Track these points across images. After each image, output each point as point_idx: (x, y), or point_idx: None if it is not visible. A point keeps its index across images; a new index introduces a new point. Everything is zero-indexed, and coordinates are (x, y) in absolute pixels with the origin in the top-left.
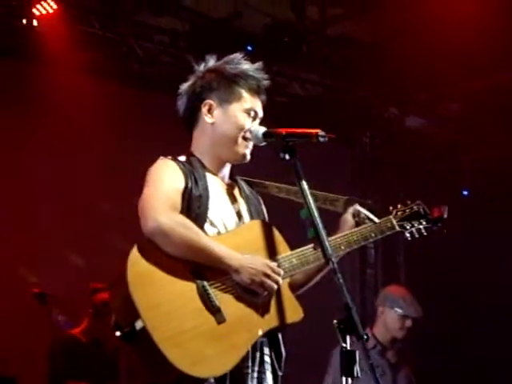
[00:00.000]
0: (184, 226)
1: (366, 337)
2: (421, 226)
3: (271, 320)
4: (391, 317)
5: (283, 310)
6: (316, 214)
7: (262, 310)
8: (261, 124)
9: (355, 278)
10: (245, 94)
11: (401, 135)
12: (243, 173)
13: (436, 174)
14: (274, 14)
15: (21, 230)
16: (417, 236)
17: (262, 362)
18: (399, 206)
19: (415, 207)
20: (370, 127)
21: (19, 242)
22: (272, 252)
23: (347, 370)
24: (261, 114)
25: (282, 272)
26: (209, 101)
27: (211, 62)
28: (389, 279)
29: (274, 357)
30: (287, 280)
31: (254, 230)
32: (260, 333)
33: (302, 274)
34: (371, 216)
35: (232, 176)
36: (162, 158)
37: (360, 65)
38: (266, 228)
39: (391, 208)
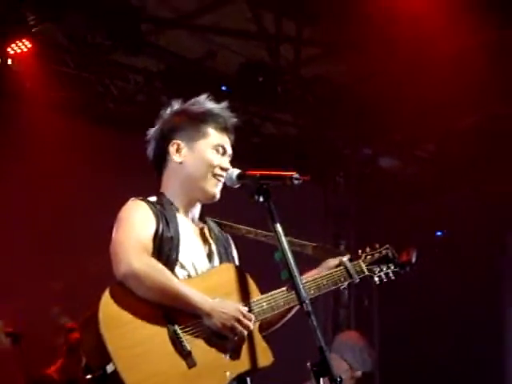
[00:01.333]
0: (156, 270)
1: (339, 379)
2: (389, 270)
3: (241, 364)
4: (341, 366)
5: (254, 354)
6: (290, 256)
7: (233, 354)
8: (233, 163)
9: (328, 317)
10: (211, 130)
11: (374, 176)
12: (214, 214)
13: (410, 215)
14: (249, 55)
15: None
16: (385, 280)
17: None
18: (368, 249)
19: (384, 251)
20: (343, 167)
21: None
22: (243, 296)
23: None
24: (229, 151)
25: (253, 317)
26: (176, 141)
27: (176, 105)
28: (361, 321)
29: None
30: (257, 324)
31: (224, 273)
32: (229, 377)
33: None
34: (352, 272)
35: (202, 217)
36: (133, 199)
37: (334, 105)
38: (237, 271)
39: (360, 252)
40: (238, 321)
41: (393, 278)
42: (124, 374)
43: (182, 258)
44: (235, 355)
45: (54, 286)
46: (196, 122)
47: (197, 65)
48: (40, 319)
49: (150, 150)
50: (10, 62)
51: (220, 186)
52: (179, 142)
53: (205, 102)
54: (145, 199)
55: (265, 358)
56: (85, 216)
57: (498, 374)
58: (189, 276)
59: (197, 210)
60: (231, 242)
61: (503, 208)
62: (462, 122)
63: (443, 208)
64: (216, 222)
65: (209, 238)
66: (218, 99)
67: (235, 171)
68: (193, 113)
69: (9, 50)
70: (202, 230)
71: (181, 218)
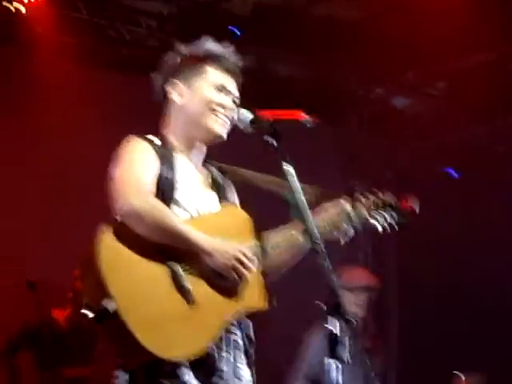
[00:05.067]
0: (157, 209)
1: (354, 321)
2: (392, 221)
3: (240, 305)
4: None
5: (254, 297)
6: (302, 196)
7: (232, 295)
8: (245, 105)
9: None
10: (210, 69)
11: (387, 115)
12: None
13: (422, 154)
14: None
15: (7, 216)
16: (388, 230)
17: (233, 343)
18: (371, 196)
19: (387, 199)
20: (356, 108)
21: (7, 230)
22: (245, 238)
23: (337, 355)
24: (235, 93)
25: (255, 260)
26: (176, 81)
27: (179, 47)
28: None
29: (246, 340)
30: (260, 268)
31: (228, 215)
32: (229, 317)
33: (289, 254)
34: (354, 219)
35: (205, 164)
36: (132, 136)
37: (347, 45)
38: (240, 214)
39: (363, 198)
40: (240, 262)
41: (397, 228)
42: (125, 315)
43: (181, 198)
44: (235, 296)
45: (68, 234)
46: (194, 61)
47: (209, 7)
48: (56, 267)
49: (154, 93)
50: (22, 8)
51: (225, 125)
52: (178, 82)
53: (205, 43)
54: (145, 137)
55: (264, 301)
56: (97, 164)
57: None
58: (191, 217)
59: (199, 154)
60: (233, 188)
61: None
62: (472, 59)
63: (455, 145)
64: (220, 168)
65: (210, 182)
66: (230, 42)
67: (249, 116)
68: (191, 53)
69: None
70: (204, 173)
71: (181, 159)
